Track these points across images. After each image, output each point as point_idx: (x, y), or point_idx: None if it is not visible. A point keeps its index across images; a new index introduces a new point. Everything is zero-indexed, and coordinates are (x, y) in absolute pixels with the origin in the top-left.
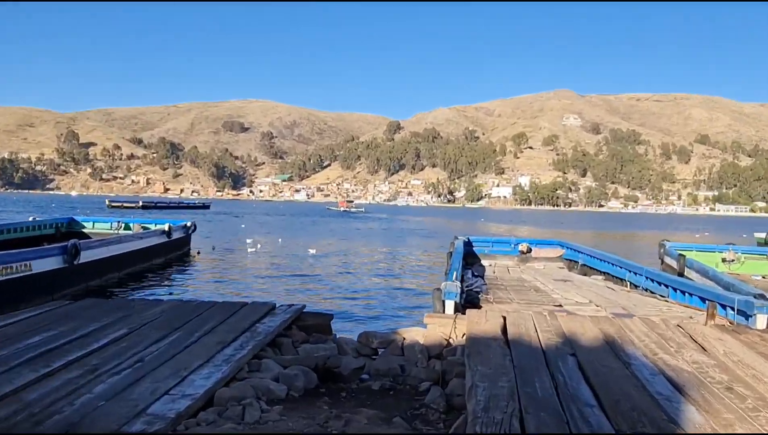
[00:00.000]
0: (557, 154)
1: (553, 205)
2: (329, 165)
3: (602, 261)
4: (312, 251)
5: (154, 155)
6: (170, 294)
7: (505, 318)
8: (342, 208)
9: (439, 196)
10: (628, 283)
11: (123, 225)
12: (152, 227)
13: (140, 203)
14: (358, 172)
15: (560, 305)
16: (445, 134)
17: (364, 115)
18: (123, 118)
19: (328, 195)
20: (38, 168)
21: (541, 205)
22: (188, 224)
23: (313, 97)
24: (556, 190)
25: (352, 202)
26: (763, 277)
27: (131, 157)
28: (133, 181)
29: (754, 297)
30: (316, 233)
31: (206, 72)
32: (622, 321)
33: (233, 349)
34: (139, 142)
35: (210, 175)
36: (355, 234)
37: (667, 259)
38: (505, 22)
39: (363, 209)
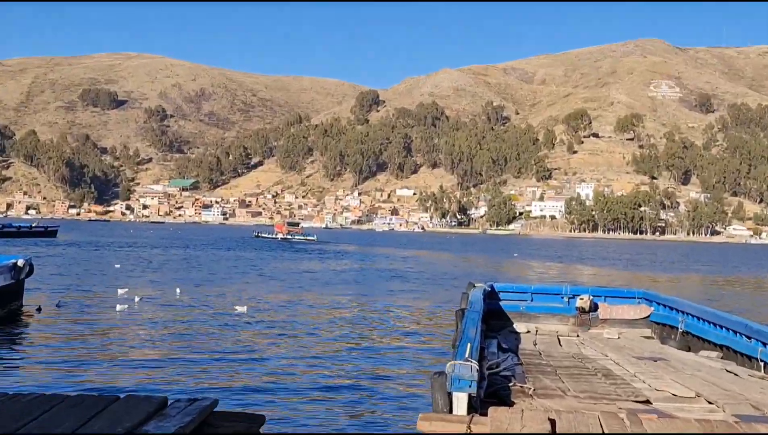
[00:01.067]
0: (641, 147)
1: (635, 232)
2: (261, 163)
3: (719, 326)
4: (240, 310)
5: None
6: None
7: (554, 422)
8: (281, 235)
9: (444, 215)
10: (763, 364)
11: None
12: None
13: None
14: (310, 176)
15: (647, 401)
16: (454, 113)
17: (320, 81)
18: None
19: (259, 213)
20: None
21: (614, 230)
22: (19, 263)
23: (233, 51)
24: (640, 205)
25: (297, 224)
26: None
27: None
28: None
29: None
30: (239, 279)
31: (54, 7)
32: (752, 428)
33: None
34: None
35: (59, 179)
36: (306, 281)
37: None
38: None
39: (314, 237)
